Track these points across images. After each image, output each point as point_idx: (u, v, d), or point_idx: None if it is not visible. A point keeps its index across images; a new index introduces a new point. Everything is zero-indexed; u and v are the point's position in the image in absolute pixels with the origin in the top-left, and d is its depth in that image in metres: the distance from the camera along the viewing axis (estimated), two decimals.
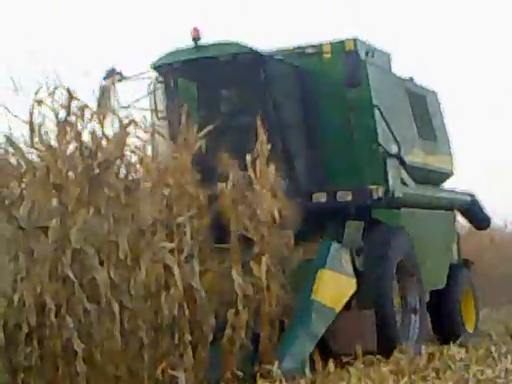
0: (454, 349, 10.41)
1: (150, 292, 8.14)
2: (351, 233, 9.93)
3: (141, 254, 8.10)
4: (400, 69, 13.51)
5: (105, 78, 9.87)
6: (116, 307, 7.57)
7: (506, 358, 9.01)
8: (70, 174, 7.66)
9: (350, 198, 10.07)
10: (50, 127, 8.11)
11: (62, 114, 8.26)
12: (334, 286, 9.54)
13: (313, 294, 9.31)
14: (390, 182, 10.50)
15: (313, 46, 10.62)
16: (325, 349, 9.48)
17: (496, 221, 24.77)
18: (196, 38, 9.93)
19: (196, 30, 9.88)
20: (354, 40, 10.73)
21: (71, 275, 7.29)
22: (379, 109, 10.64)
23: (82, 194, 7.64)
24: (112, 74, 9.96)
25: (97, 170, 7.84)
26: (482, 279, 20.23)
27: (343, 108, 10.78)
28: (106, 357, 7.47)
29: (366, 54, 10.84)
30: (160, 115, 10.81)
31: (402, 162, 10.92)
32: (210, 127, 9.20)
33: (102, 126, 8.13)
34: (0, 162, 7.39)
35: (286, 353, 8.78)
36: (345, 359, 9.42)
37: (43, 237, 7.30)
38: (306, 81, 10.89)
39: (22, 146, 7.76)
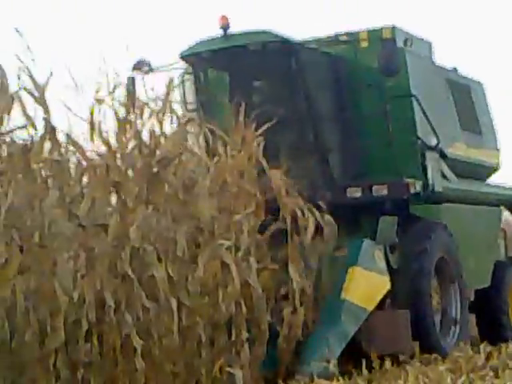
0: None
1: (207, 289, 8.23)
2: (385, 229, 9.60)
3: (199, 252, 8.22)
4: (444, 58, 13.13)
5: (133, 69, 9.90)
6: (174, 304, 7.66)
7: None
8: (129, 172, 7.77)
9: (385, 192, 9.74)
10: (110, 125, 8.29)
11: (122, 112, 8.45)
12: (366, 285, 9.29)
13: (343, 292, 9.07)
14: (430, 175, 10.13)
15: (349, 34, 10.37)
16: (357, 350, 9.17)
17: None
18: (224, 27, 9.69)
19: (224, 19, 9.67)
20: (393, 28, 10.48)
21: (130, 272, 7.38)
22: (418, 99, 10.30)
23: (140, 192, 7.74)
24: (141, 65, 9.84)
25: (155, 168, 7.92)
26: None
27: (380, 98, 10.34)
28: (164, 353, 7.59)
29: (405, 42, 10.53)
30: (189, 107, 10.60)
31: (443, 155, 10.60)
32: (267, 125, 9.08)
33: (161, 125, 8.22)
34: (61, 160, 7.50)
35: (313, 354, 8.56)
36: (401, 358, 9.35)
37: (103, 234, 7.38)
38: (341, 70, 10.59)
39: (82, 144, 7.92)
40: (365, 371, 8.59)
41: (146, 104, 8.37)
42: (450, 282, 10.32)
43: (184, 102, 10.48)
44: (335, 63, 10.41)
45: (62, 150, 7.60)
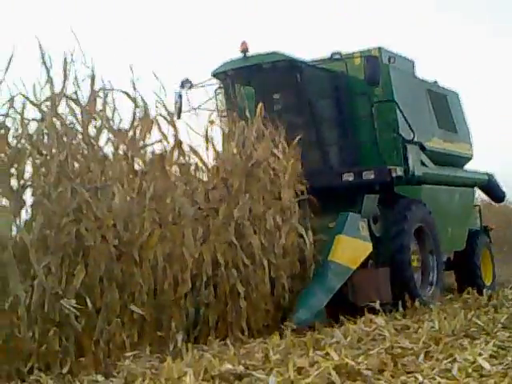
0: (507, 291, 10.23)
1: (288, 252, 8.60)
2: (368, 204, 9.32)
3: (281, 226, 8.54)
4: (430, 74, 12.95)
5: (180, 86, 9.86)
6: (265, 262, 8.07)
7: None
8: (234, 170, 8.13)
9: (372, 176, 9.45)
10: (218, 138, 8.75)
11: (226, 129, 8.90)
12: (350, 249, 8.80)
13: (330, 255, 8.61)
14: (410, 163, 9.84)
15: (345, 54, 9.92)
16: (344, 301, 8.72)
17: None
18: (244, 50, 9.52)
19: (244, 44, 9.51)
20: (379, 48, 10.31)
21: (234, 240, 7.77)
22: (398, 104, 9.96)
23: (241, 185, 8.10)
24: (185, 83, 9.78)
25: (251, 168, 8.29)
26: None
27: (368, 103, 9.99)
28: (259, 296, 7.95)
29: (389, 59, 10.31)
30: (221, 114, 10.33)
31: (422, 148, 10.33)
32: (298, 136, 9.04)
33: (255, 137, 8.51)
34: (185, 163, 7.87)
35: (302, 305, 8.14)
36: (426, 299, 9.25)
37: (215, 214, 7.75)
38: (337, 82, 10.18)
39: (200, 152, 8.27)
40: (401, 309, 8.54)
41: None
42: (428, 246, 10.03)
43: (217, 110, 10.33)
44: (333, 77, 10.15)
45: (186, 156, 7.94)
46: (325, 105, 10.08)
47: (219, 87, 10.31)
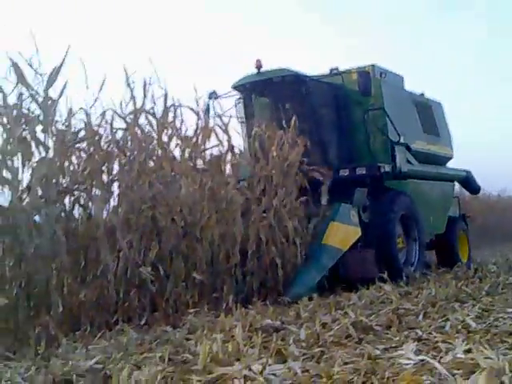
0: (490, 266, 10.14)
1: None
2: (358, 196, 8.86)
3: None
4: (420, 87, 12.99)
5: (208, 98, 9.45)
6: (298, 241, 8.03)
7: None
8: (274, 169, 8.12)
9: (364, 171, 9.09)
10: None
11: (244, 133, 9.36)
12: (342, 233, 8.35)
13: (324, 239, 8.18)
14: (398, 161, 9.41)
15: (344, 70, 9.67)
16: (337, 276, 8.37)
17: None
18: (258, 67, 9.22)
19: (258, 61, 9.18)
20: (372, 65, 9.88)
21: (273, 223, 7.76)
22: (387, 112, 9.58)
23: (278, 181, 8.08)
24: (212, 95, 9.42)
25: (286, 168, 8.26)
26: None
27: (362, 111, 9.58)
28: (292, 268, 7.90)
29: (380, 75, 9.92)
30: (240, 120, 9.90)
31: (408, 149, 9.88)
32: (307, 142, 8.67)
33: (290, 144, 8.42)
34: (236, 163, 7.93)
35: (297, 282, 7.71)
36: (409, 274, 8.93)
37: (259, 202, 7.79)
38: (336, 94, 9.76)
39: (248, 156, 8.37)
40: (404, 278, 8.45)
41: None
42: (411, 231, 9.62)
43: (238, 117, 9.86)
44: (332, 89, 9.73)
45: (238, 158, 8.00)
46: (326, 112, 9.63)
47: (239, 98, 9.94)
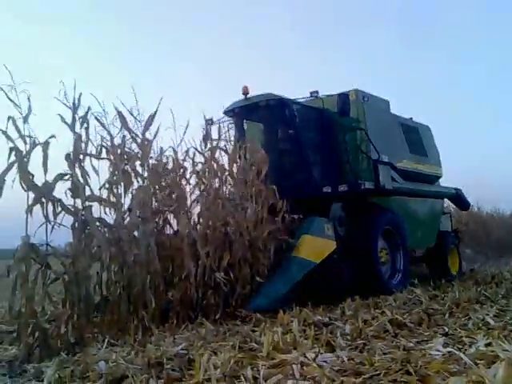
0: (505, 273, 9.77)
1: None
2: (335, 210, 7.70)
3: None
4: (410, 112, 12.01)
5: (207, 124, 7.87)
6: None
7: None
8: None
9: (346, 188, 7.81)
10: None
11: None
12: (315, 246, 7.08)
13: (294, 252, 6.91)
14: (381, 179, 8.15)
15: (328, 96, 8.37)
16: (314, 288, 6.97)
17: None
18: (245, 93, 8.14)
19: (245, 88, 8.13)
20: (356, 90, 8.77)
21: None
22: (368, 132, 8.41)
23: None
24: (209, 121, 7.94)
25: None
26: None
27: (342, 132, 8.35)
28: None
29: (363, 98, 8.79)
30: (233, 142, 8.04)
31: (393, 167, 8.63)
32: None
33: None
34: None
35: (261, 293, 6.41)
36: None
37: None
38: (318, 115, 8.42)
39: None
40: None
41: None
42: (396, 245, 8.40)
43: (230, 141, 7.88)
44: (314, 111, 8.44)
45: None
46: (308, 133, 8.33)
47: (230, 123, 8.73)
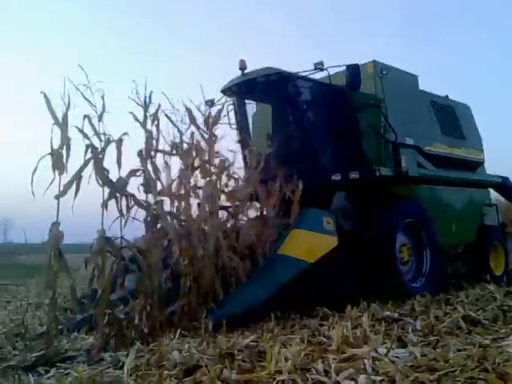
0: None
1: None
2: (337, 200, 6.74)
3: None
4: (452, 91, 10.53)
5: (206, 104, 6.84)
6: None
7: None
8: None
9: (357, 175, 6.69)
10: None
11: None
12: (308, 242, 5.90)
13: (280, 249, 5.77)
14: (404, 164, 7.05)
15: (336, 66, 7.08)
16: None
17: None
18: (242, 68, 6.99)
19: (243, 62, 7.00)
20: (374, 61, 7.67)
21: None
22: (383, 109, 7.39)
23: None
24: (209, 103, 7.01)
25: None
26: None
27: (354, 109, 7.13)
28: None
29: (381, 71, 7.59)
30: (233, 126, 7.59)
31: (420, 152, 7.57)
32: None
33: None
34: None
35: (232, 299, 5.26)
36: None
37: None
38: (325, 90, 7.27)
39: None
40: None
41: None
42: (421, 241, 7.20)
43: (229, 124, 7.39)
44: (320, 86, 7.32)
45: None
46: (314, 111, 7.27)
47: (230, 103, 7.61)
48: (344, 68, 6.85)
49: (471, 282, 7.74)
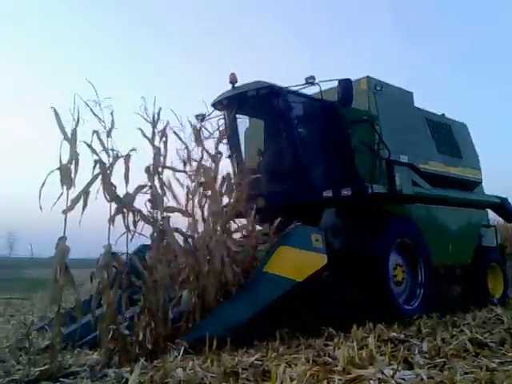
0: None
1: None
2: (327, 217, 6.57)
3: None
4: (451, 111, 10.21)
5: (196, 118, 7.05)
6: None
7: None
8: None
9: (350, 192, 6.46)
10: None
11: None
12: (296, 260, 5.58)
13: (265, 267, 5.44)
14: (397, 182, 6.85)
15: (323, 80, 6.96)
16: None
17: None
18: (233, 82, 6.88)
19: (233, 75, 6.87)
20: (367, 77, 7.54)
21: None
22: (375, 125, 7.21)
23: None
24: (199, 117, 7.02)
25: None
26: None
27: (345, 125, 6.97)
28: None
29: (375, 87, 7.47)
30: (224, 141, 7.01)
31: (415, 169, 7.45)
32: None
33: None
34: None
35: (210, 320, 4.95)
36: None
37: None
38: (316, 105, 7.15)
39: None
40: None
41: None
42: (415, 261, 6.99)
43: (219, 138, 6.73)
44: (311, 101, 7.20)
45: None
46: (305, 126, 7.06)
47: (221, 117, 7.44)
48: (336, 83, 6.69)
49: (468, 305, 7.58)
